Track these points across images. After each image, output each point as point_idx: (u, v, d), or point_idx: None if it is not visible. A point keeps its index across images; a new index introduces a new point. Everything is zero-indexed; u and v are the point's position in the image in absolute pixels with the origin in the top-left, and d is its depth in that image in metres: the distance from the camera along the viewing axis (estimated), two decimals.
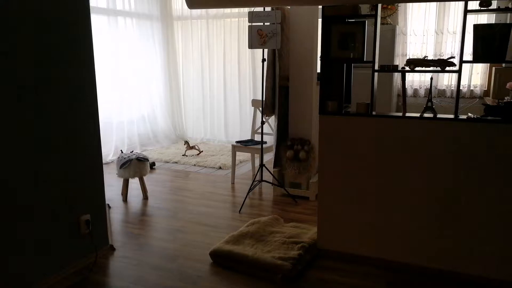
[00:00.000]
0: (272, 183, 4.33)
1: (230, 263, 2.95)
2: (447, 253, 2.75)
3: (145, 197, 4.42)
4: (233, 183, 4.91)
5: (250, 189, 4.18)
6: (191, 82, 7.18)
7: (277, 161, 4.50)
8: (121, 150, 4.62)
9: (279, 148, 4.46)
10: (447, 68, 2.65)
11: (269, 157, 5.38)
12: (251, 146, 4.73)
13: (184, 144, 6.12)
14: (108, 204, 4.16)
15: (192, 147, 6.09)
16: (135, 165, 4.29)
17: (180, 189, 4.70)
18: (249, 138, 5.22)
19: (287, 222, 3.64)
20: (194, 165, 5.69)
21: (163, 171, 5.47)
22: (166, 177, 5.20)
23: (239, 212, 3.98)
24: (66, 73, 2.76)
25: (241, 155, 5.77)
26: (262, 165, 4.25)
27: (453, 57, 2.65)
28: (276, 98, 4.41)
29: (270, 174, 4.35)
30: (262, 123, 4.18)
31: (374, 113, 2.87)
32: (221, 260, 3.00)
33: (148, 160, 4.40)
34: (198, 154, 6.12)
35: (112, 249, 3.24)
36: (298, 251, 2.96)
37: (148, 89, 6.83)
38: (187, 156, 6.07)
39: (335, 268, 2.92)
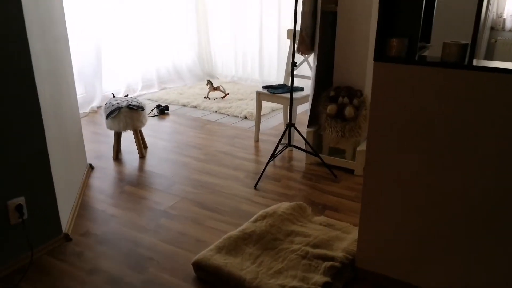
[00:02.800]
0: (304, 150, 3.19)
1: (219, 284, 1.95)
2: None
3: (141, 156, 3.46)
4: (257, 140, 3.81)
5: (273, 156, 3.07)
6: (219, 6, 5.89)
7: (313, 118, 3.31)
8: (112, 94, 3.62)
9: (318, 100, 3.25)
10: None
11: (305, 108, 4.20)
12: (281, 94, 3.54)
13: (207, 84, 5.03)
14: (91, 164, 3.25)
15: (216, 88, 4.99)
16: (125, 115, 3.28)
17: (188, 146, 3.69)
18: (282, 82, 4.02)
19: (318, 211, 2.55)
20: (216, 111, 4.61)
21: (176, 117, 4.46)
22: (177, 126, 4.19)
23: (255, 188, 2.92)
24: None
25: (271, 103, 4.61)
26: (290, 124, 3.09)
27: None
28: (317, 28, 3.13)
29: (301, 137, 3.19)
30: (293, 64, 2.95)
31: (475, 62, 1.59)
32: (207, 276, 2.01)
33: (143, 109, 3.37)
34: (223, 98, 5.02)
35: (67, 239, 2.34)
36: (325, 277, 1.89)
37: (168, 15, 5.66)
38: (209, 99, 4.99)
39: None
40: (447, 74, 1.60)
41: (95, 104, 4.70)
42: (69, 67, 2.89)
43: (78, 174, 2.90)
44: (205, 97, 5.02)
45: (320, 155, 3.16)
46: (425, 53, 1.90)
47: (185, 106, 4.83)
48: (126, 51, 5.15)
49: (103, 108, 3.42)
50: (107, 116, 3.29)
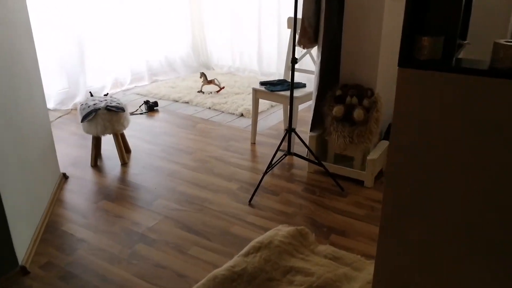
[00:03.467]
0: (305, 159, 2.79)
1: None
2: None
3: (123, 162, 3.07)
4: (253, 143, 3.42)
5: (270, 166, 2.68)
6: None
7: (317, 120, 2.91)
8: (90, 93, 3.21)
9: (322, 100, 2.85)
10: None
11: (309, 104, 3.80)
12: (281, 92, 3.13)
13: (201, 77, 4.60)
14: (65, 174, 2.87)
15: (211, 82, 4.57)
16: (103, 118, 2.89)
17: (177, 150, 3.29)
18: (282, 77, 3.60)
19: (322, 236, 2.17)
20: (209, 108, 4.21)
21: (165, 115, 4.06)
22: (166, 125, 3.79)
23: (249, 204, 2.54)
24: None
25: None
26: (290, 130, 2.68)
27: None
28: (322, 17, 2.70)
29: (303, 143, 2.79)
30: (294, 61, 2.53)
31: None
32: None
33: (123, 110, 2.97)
34: (218, 92, 4.60)
35: (24, 273, 1.97)
36: None
37: (159, 2, 5.21)
38: (203, 93, 4.58)
39: None
40: (500, 85, 1.19)
41: (78, 99, 4.30)
42: (33, 63, 2.48)
43: (46, 187, 2.52)
44: (198, 91, 4.61)
45: (324, 163, 2.77)
46: (461, 55, 1.49)
47: (176, 101, 4.42)
48: (112, 41, 4.73)
49: (78, 109, 3.02)
50: (83, 119, 2.89)
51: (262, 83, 3.32)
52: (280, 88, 3.18)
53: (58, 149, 3.26)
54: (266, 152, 3.24)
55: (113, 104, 2.94)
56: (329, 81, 2.87)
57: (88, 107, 2.91)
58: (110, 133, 2.97)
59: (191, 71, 5.51)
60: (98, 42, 4.58)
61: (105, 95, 3.14)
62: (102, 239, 2.22)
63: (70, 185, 2.78)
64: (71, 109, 4.22)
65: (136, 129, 3.68)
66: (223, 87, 4.64)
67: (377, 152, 2.72)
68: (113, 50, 4.74)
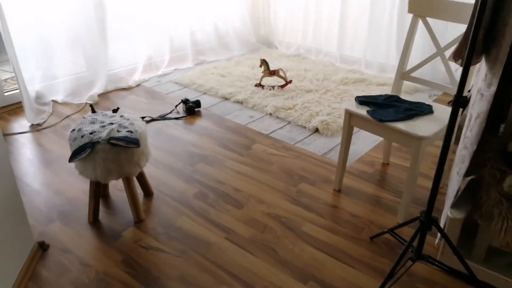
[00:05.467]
0: (445, 268, 1.55)
1: None
2: None
3: (137, 220, 1.98)
4: (338, 190, 2.21)
5: (389, 280, 1.47)
6: None
7: (468, 189, 1.64)
8: (91, 106, 2.07)
9: (480, 153, 1.56)
10: None
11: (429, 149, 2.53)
12: (392, 123, 1.86)
13: (261, 66, 3.37)
14: (42, 244, 1.82)
15: (273, 73, 3.33)
16: (104, 157, 1.78)
17: (219, 195, 2.15)
18: (390, 92, 2.31)
19: None
20: (270, 114, 3.00)
21: (209, 123, 2.90)
22: (207, 143, 2.65)
23: None
24: None
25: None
26: (429, 222, 1.43)
27: None
28: (504, 14, 1.37)
29: (445, 239, 1.54)
30: (460, 103, 1.24)
31: None
32: None
33: (137, 145, 1.83)
34: (282, 87, 3.36)
35: None
36: None
37: None
38: (262, 87, 3.36)
39: None
40: None
41: (96, 90, 3.24)
42: None
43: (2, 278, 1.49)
44: (256, 85, 3.40)
45: (469, 262, 1.54)
46: None
47: (226, 99, 3.24)
48: (145, 7, 3.55)
49: (68, 137, 1.92)
50: (72, 157, 1.80)
51: (361, 101, 2.05)
52: (393, 116, 1.91)
53: (51, 178, 2.25)
54: (360, 214, 2.03)
55: (122, 133, 1.81)
56: (491, 122, 1.58)
57: (82, 136, 1.81)
58: (116, 179, 1.87)
59: (247, 49, 4.26)
60: (123, 8, 3.41)
61: (114, 110, 2.01)
62: None
63: (45, 266, 1.74)
64: (86, 103, 3.16)
65: (165, 147, 2.57)
66: (290, 81, 3.38)
67: None
68: (145, 20, 3.56)
